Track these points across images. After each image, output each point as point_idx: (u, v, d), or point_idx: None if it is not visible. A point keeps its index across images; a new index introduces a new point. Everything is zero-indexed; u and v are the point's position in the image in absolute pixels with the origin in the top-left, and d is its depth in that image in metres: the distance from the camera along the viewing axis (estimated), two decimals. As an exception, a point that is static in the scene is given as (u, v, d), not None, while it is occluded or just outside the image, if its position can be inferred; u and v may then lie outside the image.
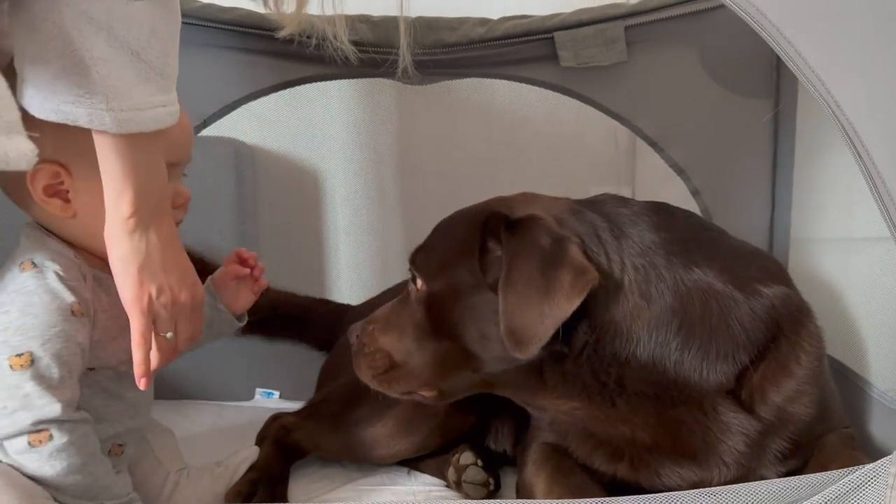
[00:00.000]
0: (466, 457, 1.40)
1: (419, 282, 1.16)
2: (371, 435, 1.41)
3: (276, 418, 1.50)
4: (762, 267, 1.18)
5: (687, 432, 1.11)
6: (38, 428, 0.99)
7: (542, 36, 1.65)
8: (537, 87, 1.75)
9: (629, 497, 0.99)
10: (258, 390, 1.89)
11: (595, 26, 1.63)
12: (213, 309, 1.25)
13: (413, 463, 1.48)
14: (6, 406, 1.00)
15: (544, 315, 1.02)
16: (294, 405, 1.60)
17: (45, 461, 1.00)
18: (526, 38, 1.65)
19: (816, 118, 1.69)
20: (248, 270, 1.30)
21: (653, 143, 1.73)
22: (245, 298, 1.30)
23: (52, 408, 1.00)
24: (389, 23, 1.65)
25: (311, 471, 1.45)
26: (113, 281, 1.05)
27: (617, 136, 2.17)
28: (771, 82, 1.71)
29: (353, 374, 1.47)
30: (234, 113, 1.71)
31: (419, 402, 1.40)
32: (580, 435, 1.20)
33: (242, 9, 1.64)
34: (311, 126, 2.00)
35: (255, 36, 1.65)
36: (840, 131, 0.94)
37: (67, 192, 1.06)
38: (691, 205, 1.79)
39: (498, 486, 1.40)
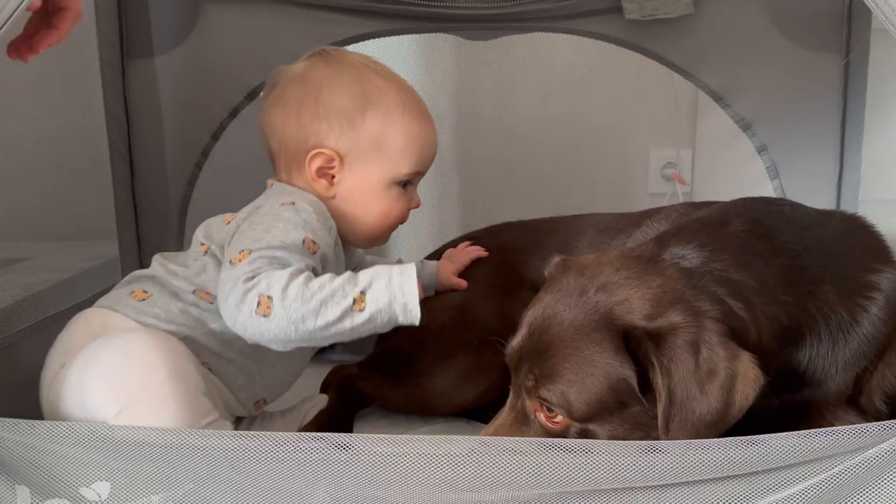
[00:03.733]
0: (526, 409, 1.41)
1: (557, 415, 1.02)
2: (433, 385, 1.43)
3: (340, 368, 1.53)
4: (866, 247, 1.17)
5: None
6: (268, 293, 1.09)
7: (607, -12, 1.63)
8: (600, 43, 1.72)
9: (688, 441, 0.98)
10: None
11: (661, -22, 1.61)
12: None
13: (472, 415, 1.50)
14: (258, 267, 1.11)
15: (723, 428, 0.96)
16: (355, 358, 1.62)
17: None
18: (591, -9, 1.63)
19: (888, 74, 1.65)
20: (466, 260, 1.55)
21: (718, 98, 1.70)
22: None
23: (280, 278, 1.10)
24: (452, -24, 1.65)
25: (375, 420, 1.49)
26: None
27: (678, 96, 2.14)
28: (841, 36, 1.67)
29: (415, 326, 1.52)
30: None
31: (480, 355, 1.43)
32: None
33: (303, -35, 1.65)
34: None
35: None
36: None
37: (333, 176, 1.26)
38: (756, 163, 1.76)
39: (557, 438, 1.41)
